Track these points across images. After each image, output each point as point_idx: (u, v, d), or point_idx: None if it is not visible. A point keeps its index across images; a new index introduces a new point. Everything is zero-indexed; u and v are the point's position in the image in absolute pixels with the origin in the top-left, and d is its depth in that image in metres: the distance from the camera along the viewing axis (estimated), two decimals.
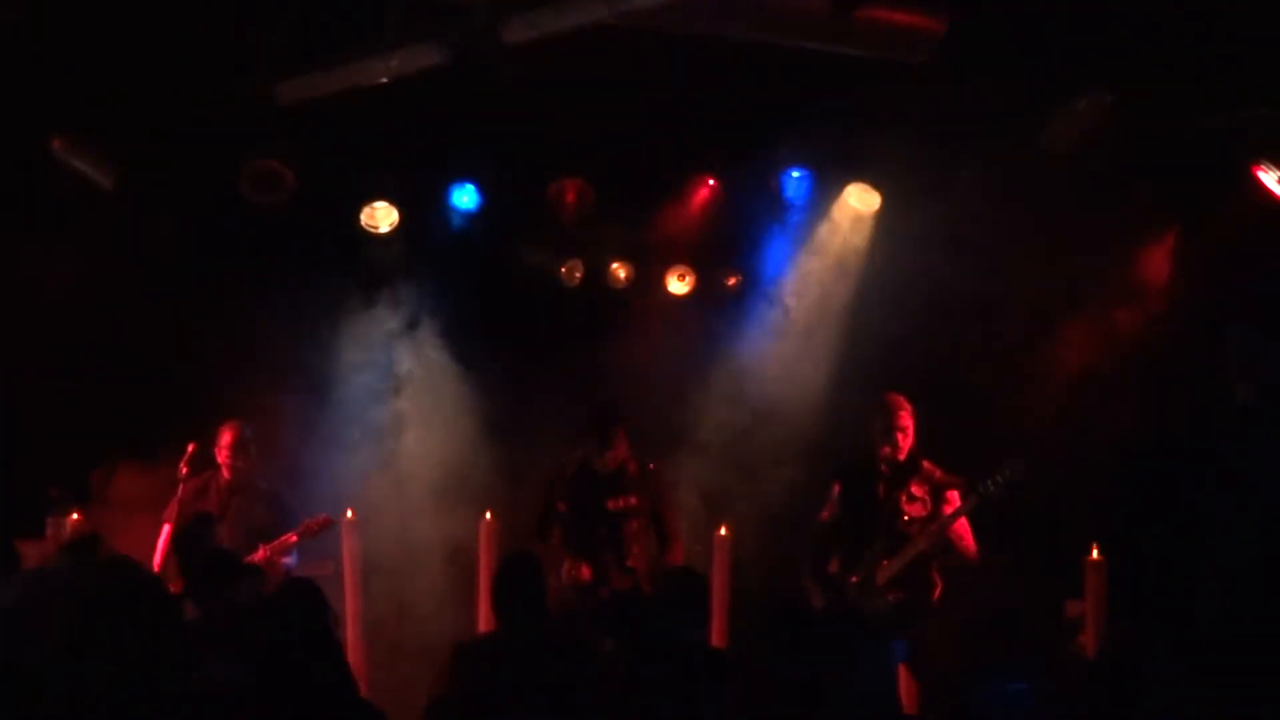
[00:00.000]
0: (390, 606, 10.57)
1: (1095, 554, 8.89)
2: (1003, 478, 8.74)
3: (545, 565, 7.84)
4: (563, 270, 11.39)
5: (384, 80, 9.06)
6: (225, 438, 10.14)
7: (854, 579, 9.09)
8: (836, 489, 9.39)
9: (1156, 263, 9.95)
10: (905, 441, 9.17)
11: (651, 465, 9.85)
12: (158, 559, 9.68)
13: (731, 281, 11.57)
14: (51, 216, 10.34)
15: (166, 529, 9.83)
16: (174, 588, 9.22)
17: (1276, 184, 9.21)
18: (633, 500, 9.60)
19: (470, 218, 11.12)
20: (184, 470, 9.82)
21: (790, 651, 5.81)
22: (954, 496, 9.06)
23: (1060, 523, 9.39)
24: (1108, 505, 9.53)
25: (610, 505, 9.58)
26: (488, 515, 9.99)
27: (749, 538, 10.12)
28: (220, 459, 10.16)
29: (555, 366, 11.06)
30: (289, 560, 9.83)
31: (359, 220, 10.99)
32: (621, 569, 9.51)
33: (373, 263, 11.12)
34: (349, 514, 9.98)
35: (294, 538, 9.78)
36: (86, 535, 8.61)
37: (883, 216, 10.91)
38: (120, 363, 10.63)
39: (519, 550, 7.69)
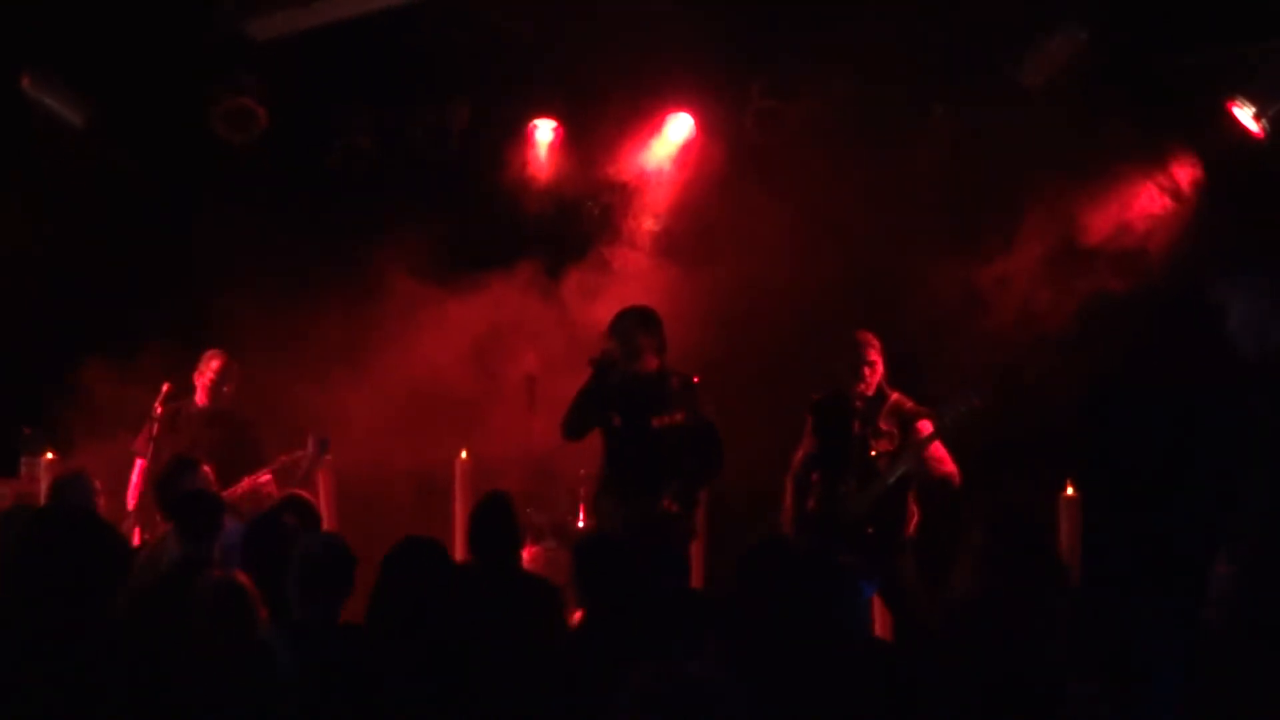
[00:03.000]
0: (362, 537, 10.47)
1: (1070, 491, 8.95)
2: (955, 409, 8.79)
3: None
4: (534, 204, 11.37)
5: (357, 16, 9.03)
6: (214, 364, 9.99)
7: (828, 515, 9.09)
8: (810, 423, 9.38)
9: (1134, 200, 9.96)
10: (873, 377, 9.16)
11: (695, 379, 9.21)
12: (132, 495, 9.66)
13: (702, 220, 11.53)
14: (20, 153, 10.28)
15: (140, 464, 9.81)
16: (140, 532, 9.25)
17: (1252, 120, 9.23)
18: (678, 417, 9.02)
19: (445, 151, 11.07)
20: (159, 410, 9.77)
21: (767, 592, 5.86)
22: (925, 427, 9.07)
23: (1036, 459, 9.43)
24: (1084, 442, 9.59)
25: (655, 423, 9.00)
26: (463, 454, 9.98)
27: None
28: (201, 384, 9.98)
29: (526, 301, 11.05)
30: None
31: (331, 156, 10.95)
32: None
33: (346, 199, 11.08)
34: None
35: (268, 475, 9.70)
36: (75, 474, 8.56)
37: (854, 153, 10.84)
38: (93, 298, 10.63)
39: (494, 493, 7.73)
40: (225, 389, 9.99)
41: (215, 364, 9.99)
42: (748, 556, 6.13)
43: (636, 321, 9.20)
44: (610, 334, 9.20)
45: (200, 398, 10.00)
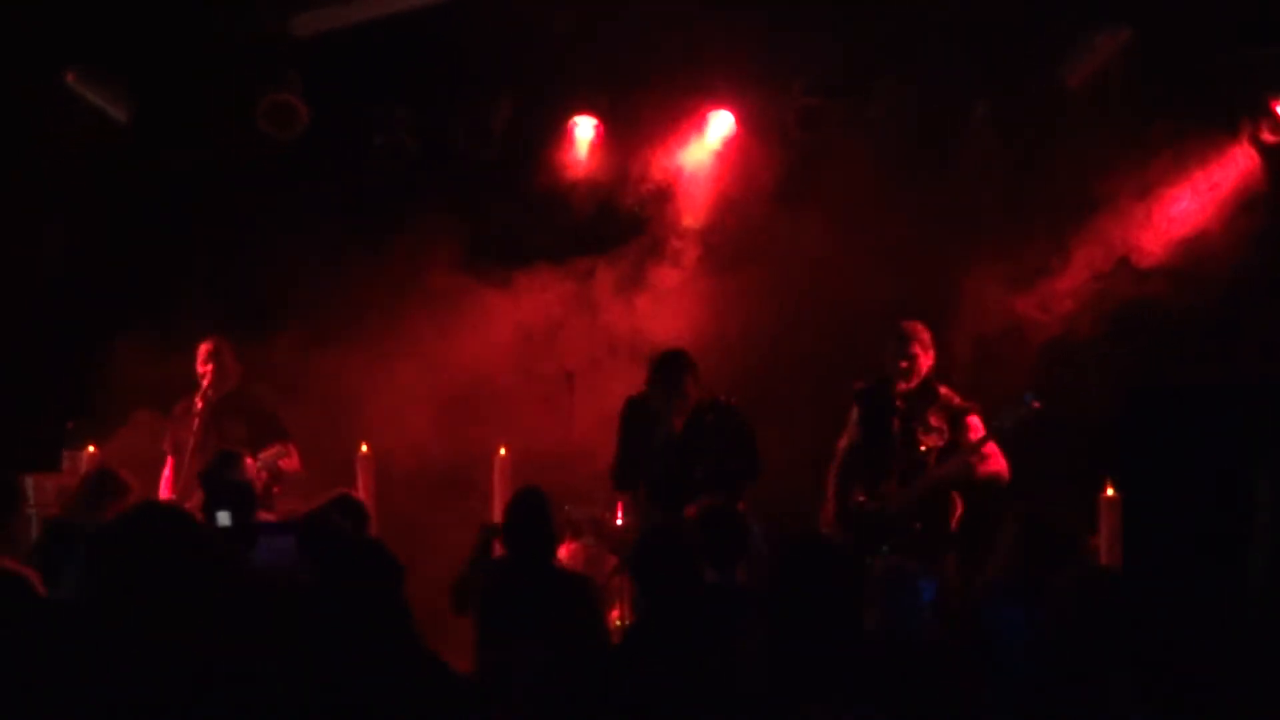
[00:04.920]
0: (402, 532, 10.45)
1: (1110, 491, 8.89)
2: (1013, 413, 8.72)
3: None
4: (575, 201, 11.36)
5: (398, 12, 9.05)
6: (203, 352, 9.89)
7: (873, 510, 9.01)
8: (855, 414, 9.30)
9: (1179, 201, 9.91)
10: (915, 369, 9.09)
11: (732, 400, 9.24)
12: (164, 490, 9.66)
13: (743, 218, 11.48)
14: (65, 149, 10.32)
15: (170, 462, 9.83)
16: None
17: None
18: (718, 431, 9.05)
19: (487, 147, 11.06)
20: (198, 404, 9.77)
21: (802, 589, 5.84)
22: (974, 422, 8.99)
23: (1076, 459, 9.38)
24: (1124, 441, 9.53)
25: (699, 473, 8.95)
26: (501, 450, 9.98)
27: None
28: (204, 375, 9.86)
29: (566, 297, 11.05)
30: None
31: (373, 152, 10.96)
32: None
33: (387, 194, 11.10)
34: (363, 448, 9.96)
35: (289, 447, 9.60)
36: (103, 473, 8.56)
37: (896, 152, 10.79)
38: (133, 296, 10.67)
39: (528, 488, 7.74)
40: (216, 374, 9.83)
41: (204, 351, 9.86)
42: (785, 553, 6.12)
43: (678, 364, 9.15)
44: (652, 384, 9.20)
45: (210, 391, 9.86)
